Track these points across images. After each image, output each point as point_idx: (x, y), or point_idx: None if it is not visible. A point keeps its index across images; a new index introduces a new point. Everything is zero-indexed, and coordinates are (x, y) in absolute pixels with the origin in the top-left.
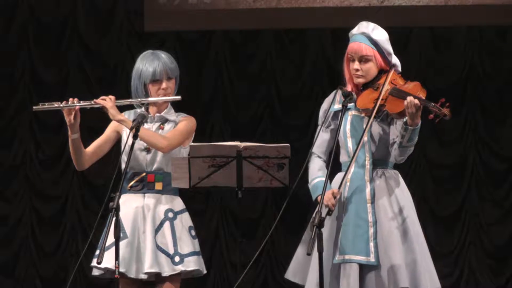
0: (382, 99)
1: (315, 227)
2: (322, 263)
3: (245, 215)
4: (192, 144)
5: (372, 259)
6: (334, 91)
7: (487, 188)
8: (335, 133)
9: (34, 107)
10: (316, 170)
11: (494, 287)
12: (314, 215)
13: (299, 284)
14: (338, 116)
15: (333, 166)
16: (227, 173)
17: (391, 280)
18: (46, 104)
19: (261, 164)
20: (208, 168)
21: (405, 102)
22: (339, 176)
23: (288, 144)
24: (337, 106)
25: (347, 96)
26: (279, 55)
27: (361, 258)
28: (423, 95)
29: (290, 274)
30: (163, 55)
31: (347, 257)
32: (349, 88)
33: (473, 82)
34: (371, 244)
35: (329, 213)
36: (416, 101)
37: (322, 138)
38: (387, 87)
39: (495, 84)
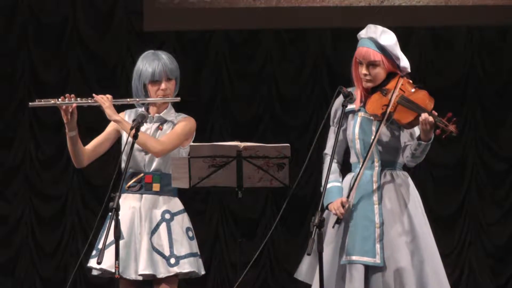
0: (391, 106)
1: (315, 227)
2: (322, 263)
3: (245, 215)
4: (192, 144)
5: (378, 260)
6: (337, 92)
7: (487, 188)
8: (346, 132)
9: (30, 103)
10: (331, 173)
11: (494, 287)
12: (314, 216)
13: (308, 283)
14: (349, 116)
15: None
16: (227, 173)
17: (397, 283)
18: (43, 100)
19: (261, 164)
20: (208, 168)
21: (420, 119)
22: (348, 177)
23: (288, 144)
24: (349, 106)
25: (347, 97)
26: (279, 55)
27: (367, 259)
28: (431, 105)
29: (299, 274)
30: (164, 56)
31: (353, 258)
32: (358, 91)
33: (473, 82)
34: (378, 246)
35: (337, 221)
36: (431, 118)
37: (333, 139)
38: (396, 93)
39: (495, 84)
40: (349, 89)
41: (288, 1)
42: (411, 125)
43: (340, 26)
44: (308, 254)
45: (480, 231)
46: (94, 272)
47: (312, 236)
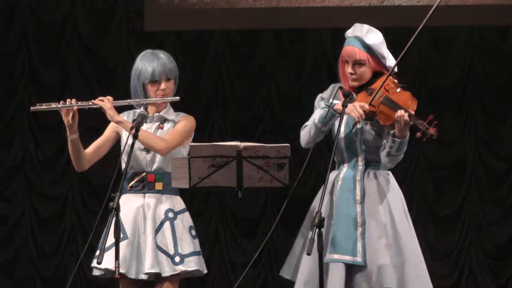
0: (374, 106)
1: (315, 227)
2: (323, 263)
3: (245, 215)
4: (192, 144)
5: (359, 259)
6: (333, 85)
7: (487, 188)
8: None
9: (31, 108)
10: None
11: (494, 287)
12: (314, 215)
13: (291, 280)
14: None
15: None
16: (227, 173)
17: (378, 283)
18: (44, 104)
19: (261, 164)
20: (208, 168)
21: (395, 115)
22: (332, 174)
23: (288, 144)
24: (336, 102)
25: (347, 96)
26: (279, 55)
27: (348, 258)
28: (414, 106)
29: (284, 271)
30: (163, 55)
31: (335, 256)
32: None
33: (473, 82)
34: (359, 244)
35: (355, 125)
36: (406, 116)
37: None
38: (380, 94)
39: (495, 84)
40: (338, 85)
41: (288, 1)
42: (392, 126)
43: (340, 26)
44: (308, 254)
45: (480, 231)
46: (96, 273)
47: (312, 236)
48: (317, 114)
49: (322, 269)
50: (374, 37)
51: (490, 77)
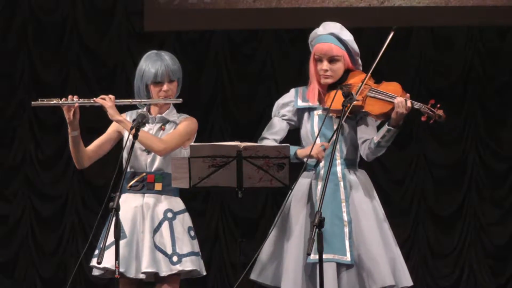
0: (358, 100)
1: (315, 227)
2: (323, 264)
3: (245, 215)
4: (192, 144)
5: (348, 258)
6: (295, 89)
7: (487, 188)
8: (296, 128)
9: (33, 103)
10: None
11: (494, 287)
12: (314, 215)
13: (268, 284)
14: (300, 113)
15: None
16: (227, 173)
17: (376, 278)
18: (45, 100)
19: (261, 164)
20: (208, 168)
21: (395, 102)
22: (305, 175)
23: (288, 144)
24: (301, 104)
25: (347, 96)
26: (279, 55)
27: (338, 257)
28: (406, 95)
29: (259, 276)
30: (167, 57)
31: (323, 256)
32: (313, 88)
33: (473, 82)
34: (347, 243)
35: (317, 164)
36: (409, 103)
37: (278, 126)
38: (362, 88)
39: (495, 84)
40: (301, 88)
41: (288, 1)
42: (386, 115)
43: None
44: (308, 254)
45: (480, 231)
46: (95, 272)
47: (312, 236)
48: (277, 129)
49: (322, 269)
50: (348, 34)
51: (490, 77)
